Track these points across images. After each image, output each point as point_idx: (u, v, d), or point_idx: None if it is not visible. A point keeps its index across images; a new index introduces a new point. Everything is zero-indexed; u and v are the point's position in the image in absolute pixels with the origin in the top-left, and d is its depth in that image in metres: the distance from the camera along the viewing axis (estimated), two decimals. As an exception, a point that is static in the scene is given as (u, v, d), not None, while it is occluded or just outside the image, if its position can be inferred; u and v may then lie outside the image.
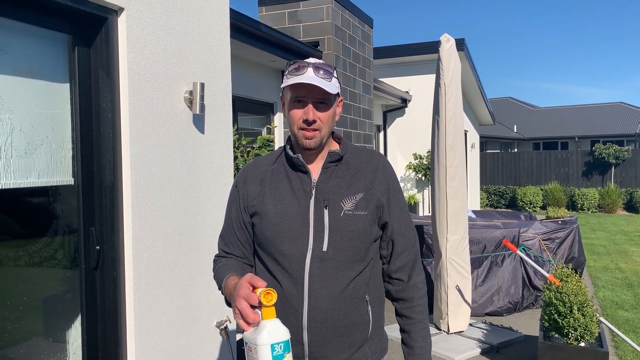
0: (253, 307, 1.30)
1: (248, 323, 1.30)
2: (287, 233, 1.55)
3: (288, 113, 1.57)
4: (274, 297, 1.28)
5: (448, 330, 4.81)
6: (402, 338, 1.71)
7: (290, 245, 1.54)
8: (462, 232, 4.83)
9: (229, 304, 1.50)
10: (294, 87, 1.53)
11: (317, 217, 1.55)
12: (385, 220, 1.62)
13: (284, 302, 1.51)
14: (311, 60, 1.55)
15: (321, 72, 1.52)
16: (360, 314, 1.58)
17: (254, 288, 1.33)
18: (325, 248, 1.53)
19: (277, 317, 1.30)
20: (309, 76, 1.50)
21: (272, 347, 1.25)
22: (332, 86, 1.53)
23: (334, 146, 1.66)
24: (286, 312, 1.51)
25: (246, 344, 1.30)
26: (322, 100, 1.54)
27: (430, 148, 5.17)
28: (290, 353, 1.28)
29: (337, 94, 1.60)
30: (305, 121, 1.52)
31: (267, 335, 1.25)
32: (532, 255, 5.68)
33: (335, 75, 1.57)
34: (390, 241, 1.65)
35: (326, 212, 1.55)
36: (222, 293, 1.56)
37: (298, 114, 1.54)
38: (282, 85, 1.56)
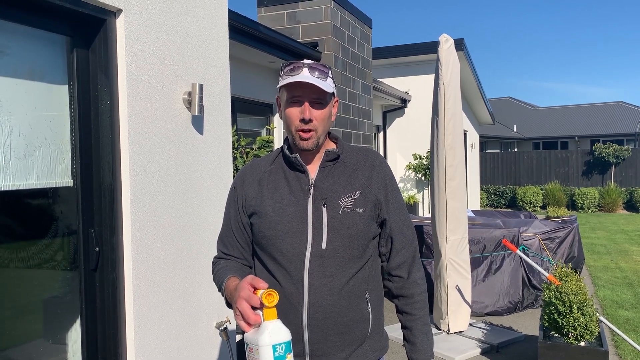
0: (254, 308, 1.31)
1: (249, 324, 1.30)
2: (286, 231, 1.56)
3: (284, 113, 1.58)
4: (275, 298, 1.29)
5: (448, 330, 4.81)
6: (404, 335, 1.72)
7: (289, 243, 1.55)
8: (462, 232, 4.84)
9: (229, 305, 1.51)
10: (290, 87, 1.54)
11: (315, 216, 1.56)
12: (384, 218, 1.63)
13: (284, 301, 1.52)
14: (306, 60, 1.57)
15: (316, 72, 1.53)
16: (360, 312, 1.59)
17: (255, 289, 1.33)
18: (324, 246, 1.54)
19: (277, 317, 1.31)
20: (304, 76, 1.51)
21: (274, 348, 1.25)
22: (327, 85, 1.54)
23: (331, 146, 1.67)
24: (286, 310, 1.51)
25: (247, 344, 1.31)
26: (318, 99, 1.55)
27: (429, 148, 5.18)
28: (292, 354, 1.29)
29: (333, 94, 1.61)
30: (302, 120, 1.54)
31: (269, 336, 1.26)
32: (532, 255, 5.68)
33: (331, 75, 1.58)
34: (389, 238, 1.66)
35: (324, 210, 1.56)
36: (222, 294, 1.56)
37: (295, 113, 1.55)
38: (278, 85, 1.57)
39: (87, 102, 2.42)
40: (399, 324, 1.74)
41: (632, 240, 10.57)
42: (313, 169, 1.62)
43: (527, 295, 5.68)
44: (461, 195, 4.80)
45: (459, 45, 10.38)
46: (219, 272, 1.65)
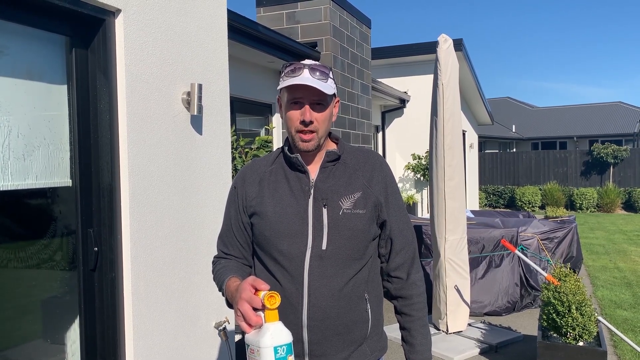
0: (255, 309, 1.31)
1: (250, 325, 1.31)
2: (286, 232, 1.56)
3: (285, 115, 1.58)
4: (277, 300, 1.29)
5: (447, 330, 4.82)
6: (402, 335, 1.72)
7: (290, 244, 1.55)
8: (461, 232, 4.84)
9: (230, 305, 1.51)
10: (291, 88, 1.54)
11: (316, 216, 1.56)
12: (384, 219, 1.64)
13: (284, 301, 1.52)
14: (307, 61, 1.57)
15: (317, 73, 1.53)
16: (360, 312, 1.59)
17: (257, 290, 1.34)
18: (324, 247, 1.54)
19: (279, 318, 1.31)
20: (305, 77, 1.51)
21: (275, 349, 1.26)
22: (328, 87, 1.54)
23: (332, 146, 1.67)
24: (286, 311, 1.51)
25: (248, 346, 1.31)
26: (319, 101, 1.55)
27: (428, 148, 5.18)
28: (293, 356, 1.29)
29: (334, 95, 1.61)
30: (303, 122, 1.54)
31: (270, 338, 1.26)
32: (530, 255, 5.69)
33: (331, 76, 1.58)
34: (388, 239, 1.66)
35: (325, 211, 1.56)
36: (223, 294, 1.57)
37: (295, 115, 1.55)
38: (279, 87, 1.57)
39: (86, 102, 2.42)
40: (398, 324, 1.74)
41: (630, 241, 10.58)
42: (314, 170, 1.62)
43: (526, 295, 5.68)
44: (460, 195, 4.81)
45: (458, 45, 10.38)
46: (219, 272, 1.65)
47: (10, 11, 2.11)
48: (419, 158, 11.28)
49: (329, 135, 1.67)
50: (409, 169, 11.53)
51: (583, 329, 3.49)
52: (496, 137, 25.02)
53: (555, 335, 3.68)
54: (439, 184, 4.76)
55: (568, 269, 3.91)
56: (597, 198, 16.97)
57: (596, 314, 3.59)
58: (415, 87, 11.43)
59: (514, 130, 26.63)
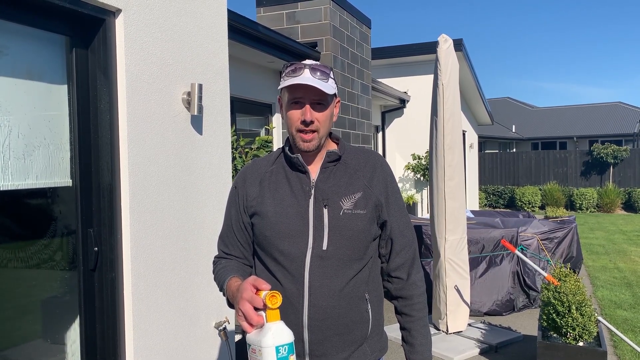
0: (257, 309, 1.31)
1: (252, 325, 1.31)
2: (286, 232, 1.56)
3: (286, 114, 1.58)
4: (278, 299, 1.30)
5: (447, 330, 4.81)
6: (402, 336, 1.72)
7: (290, 244, 1.55)
8: (461, 232, 4.84)
9: (231, 305, 1.51)
10: (291, 88, 1.54)
11: (316, 217, 1.56)
12: (384, 219, 1.64)
13: (284, 301, 1.52)
14: (308, 61, 1.57)
15: (318, 73, 1.53)
16: (360, 312, 1.59)
17: (258, 290, 1.34)
18: (325, 247, 1.54)
19: (280, 318, 1.31)
20: (305, 77, 1.51)
21: (277, 349, 1.26)
22: (328, 87, 1.54)
23: (332, 146, 1.67)
24: (286, 311, 1.51)
25: (249, 345, 1.31)
26: (320, 101, 1.55)
27: (428, 148, 5.18)
28: (294, 355, 1.29)
29: (334, 95, 1.61)
30: (303, 122, 1.54)
31: (272, 338, 1.26)
32: (530, 255, 5.68)
33: (332, 76, 1.58)
34: (389, 239, 1.66)
35: (325, 211, 1.56)
36: (224, 294, 1.57)
37: (296, 115, 1.55)
38: (280, 87, 1.57)
39: (87, 102, 2.42)
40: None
41: (630, 241, 10.58)
42: (314, 170, 1.63)
43: (526, 295, 5.68)
44: (460, 195, 4.81)
45: (458, 45, 10.38)
46: (220, 272, 1.65)
47: (10, 11, 2.11)
48: (419, 158, 11.28)
49: (330, 135, 1.67)
50: (408, 169, 11.54)
51: (583, 329, 3.49)
52: (496, 137, 25.02)
53: (555, 335, 3.68)
54: (439, 184, 4.76)
55: (568, 269, 3.91)
56: (597, 198, 16.97)
57: (596, 314, 3.59)
58: (415, 87, 11.43)
59: (513, 130, 26.63)
